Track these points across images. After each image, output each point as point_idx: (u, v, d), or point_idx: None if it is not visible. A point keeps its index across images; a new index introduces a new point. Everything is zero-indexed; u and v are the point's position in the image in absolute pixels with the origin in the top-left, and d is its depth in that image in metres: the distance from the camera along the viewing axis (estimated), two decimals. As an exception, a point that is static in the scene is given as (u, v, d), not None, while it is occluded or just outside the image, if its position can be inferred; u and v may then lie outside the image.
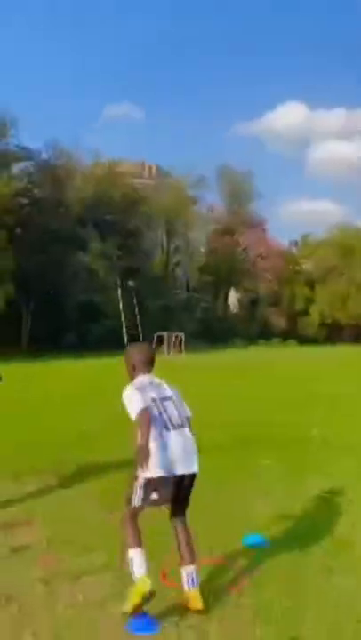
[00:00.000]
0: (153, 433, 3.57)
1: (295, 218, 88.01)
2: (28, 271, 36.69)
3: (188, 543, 3.73)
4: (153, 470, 3.54)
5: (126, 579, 3.96)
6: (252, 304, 61.85)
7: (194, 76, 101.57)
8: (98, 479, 6.57)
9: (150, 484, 3.58)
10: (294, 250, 67.90)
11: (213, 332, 51.33)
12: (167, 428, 3.67)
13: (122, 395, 3.74)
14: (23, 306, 38.31)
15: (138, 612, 3.40)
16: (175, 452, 3.63)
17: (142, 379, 3.88)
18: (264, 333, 56.73)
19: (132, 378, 3.93)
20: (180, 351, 35.82)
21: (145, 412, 3.58)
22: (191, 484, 3.75)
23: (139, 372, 3.93)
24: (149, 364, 4.00)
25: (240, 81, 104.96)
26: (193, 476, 3.73)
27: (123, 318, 39.22)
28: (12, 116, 39.31)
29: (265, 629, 3.40)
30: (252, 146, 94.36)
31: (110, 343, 37.32)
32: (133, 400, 3.67)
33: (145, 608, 3.48)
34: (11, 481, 6.51)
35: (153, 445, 3.55)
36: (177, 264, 59.95)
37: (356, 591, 3.90)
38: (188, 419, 3.86)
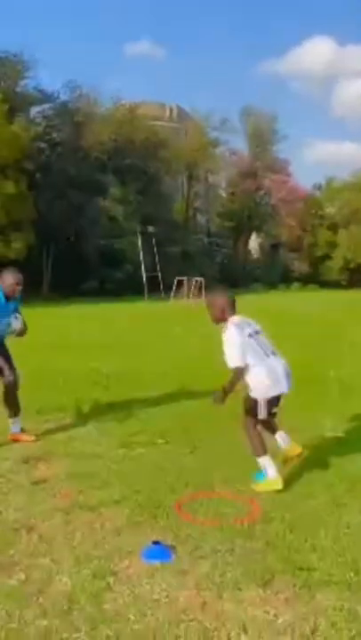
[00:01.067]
0: (258, 361, 4.44)
1: (320, 161, 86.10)
2: (48, 218, 36.59)
3: (277, 425, 4.87)
4: (272, 390, 4.51)
5: (142, 509, 4.12)
6: (273, 249, 61.20)
7: (216, 11, 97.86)
8: (115, 418, 6.74)
9: (271, 401, 4.52)
10: (318, 194, 66.46)
11: (234, 278, 51.08)
12: (267, 355, 4.52)
13: (225, 332, 4.49)
14: (44, 252, 38.40)
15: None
16: (280, 374, 4.52)
17: (236, 318, 4.57)
18: (285, 278, 56.33)
19: (219, 321, 4.61)
20: (201, 296, 35.77)
21: (240, 370, 4.42)
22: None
23: (229, 313, 4.58)
24: (235, 306, 4.64)
25: (264, 14, 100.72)
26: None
27: (142, 264, 39.14)
28: (31, 56, 38.50)
29: (275, 560, 3.52)
30: (275, 85, 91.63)
31: (130, 289, 37.45)
32: (234, 352, 4.42)
33: (159, 538, 3.62)
34: (31, 418, 6.71)
35: (262, 371, 4.45)
36: (197, 209, 59.25)
37: (365, 526, 3.99)
38: None
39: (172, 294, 34.62)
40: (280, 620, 2.93)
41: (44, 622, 2.90)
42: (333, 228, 61.58)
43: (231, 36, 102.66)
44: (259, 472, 4.92)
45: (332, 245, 60.97)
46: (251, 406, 4.56)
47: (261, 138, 58.90)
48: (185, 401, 7.60)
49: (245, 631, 2.84)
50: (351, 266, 59.81)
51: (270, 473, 4.47)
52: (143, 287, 38.23)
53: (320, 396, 8.05)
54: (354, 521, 4.06)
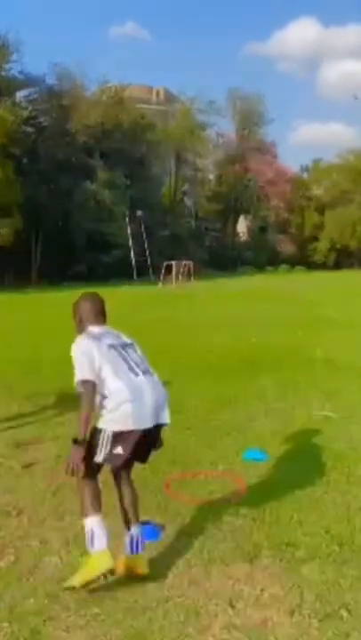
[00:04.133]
0: (121, 375, 3.11)
1: (306, 142, 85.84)
2: (36, 202, 36.36)
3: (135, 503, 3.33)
4: (130, 421, 3.05)
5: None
6: (261, 231, 61.18)
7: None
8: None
9: (120, 438, 3.05)
10: (305, 175, 66.39)
11: (222, 260, 51.16)
12: (136, 373, 3.16)
13: (72, 348, 3.19)
14: (32, 238, 38.17)
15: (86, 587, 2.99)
16: (146, 403, 3.11)
17: (97, 329, 3.32)
18: (273, 260, 56.41)
19: (79, 332, 3.34)
20: (189, 279, 35.80)
21: (89, 384, 3.04)
22: (158, 438, 3.30)
23: (88, 322, 3.35)
24: (101, 315, 3.40)
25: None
26: (160, 428, 3.26)
27: (131, 248, 39.03)
28: (15, 40, 37.92)
29: (261, 536, 3.58)
30: (261, 67, 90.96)
31: (119, 273, 37.35)
32: (81, 361, 3.10)
33: (148, 517, 3.66)
34: (23, 402, 6.77)
35: (124, 388, 3.08)
36: (185, 193, 58.98)
37: (352, 504, 4.04)
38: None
39: (162, 278, 34.58)
40: (266, 595, 2.99)
41: (34, 602, 2.94)
42: (320, 209, 61.65)
43: (217, 18, 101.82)
44: (249, 450, 4.99)
45: (319, 227, 61.12)
46: (91, 440, 3.04)
47: (248, 120, 58.63)
48: (176, 384, 7.65)
49: (232, 606, 2.89)
50: (338, 247, 60.00)
51: (97, 544, 3.02)
52: (132, 271, 38.16)
53: (308, 375, 8.13)
54: (339, 497, 4.12)
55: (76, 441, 2.99)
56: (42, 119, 42.06)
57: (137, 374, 3.17)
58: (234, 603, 2.91)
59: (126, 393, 3.07)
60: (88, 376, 3.04)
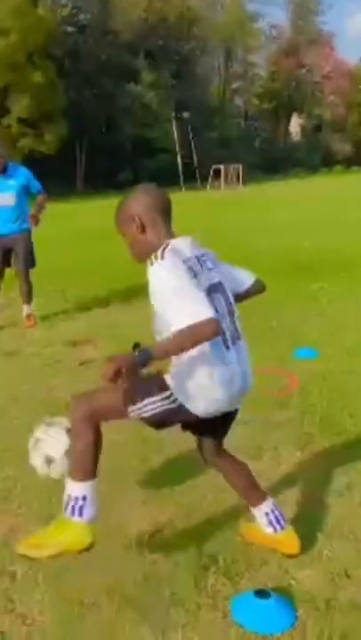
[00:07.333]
0: (208, 355, 2.16)
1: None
2: (79, 107, 35.58)
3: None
4: (202, 406, 2.22)
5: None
6: (315, 130, 58.47)
7: None
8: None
9: (179, 415, 2.25)
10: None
11: (273, 163, 49.45)
12: (227, 346, 2.23)
13: (152, 273, 2.12)
14: (76, 145, 37.66)
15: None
16: (234, 389, 2.24)
17: (180, 242, 2.22)
18: (327, 161, 54.19)
19: (143, 245, 2.24)
20: (239, 184, 34.95)
21: (214, 321, 2.02)
22: (232, 420, 2.48)
23: (159, 230, 2.23)
24: (168, 215, 2.29)
25: None
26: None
27: (178, 152, 38.09)
28: None
29: (312, 426, 3.69)
30: None
31: (166, 179, 36.72)
32: (187, 293, 2.05)
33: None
34: (76, 305, 6.98)
35: (208, 374, 2.17)
36: (235, 91, 56.48)
37: None
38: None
39: (209, 183, 33.87)
40: (315, 476, 3.11)
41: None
42: (381, 104, 58.15)
43: None
44: (300, 349, 5.03)
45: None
46: (134, 390, 2.19)
47: (304, 8, 54.70)
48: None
49: (280, 491, 2.99)
50: None
51: (86, 512, 2.19)
52: (179, 177, 37.44)
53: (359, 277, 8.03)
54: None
55: (136, 347, 2.01)
56: (82, 17, 40.35)
57: (228, 347, 2.23)
58: (283, 487, 3.03)
59: (214, 375, 2.17)
60: (209, 313, 2.01)
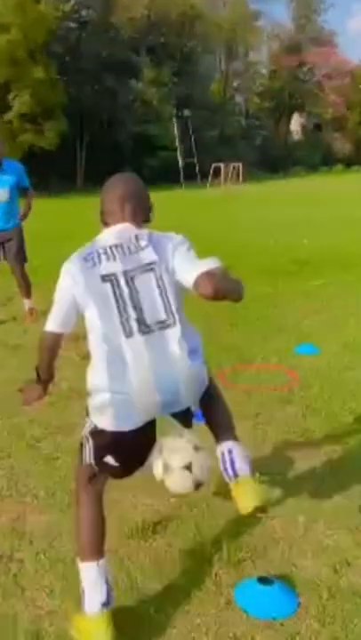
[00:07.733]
0: (103, 346, 2.04)
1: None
2: (80, 104, 35.52)
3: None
4: (105, 420, 2.02)
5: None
6: (315, 129, 58.41)
7: None
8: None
9: (100, 439, 2.05)
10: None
11: (273, 161, 49.43)
12: (127, 331, 1.99)
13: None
14: (77, 141, 37.62)
15: None
16: (142, 380, 1.96)
17: (104, 234, 2.20)
18: (327, 160, 54.15)
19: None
20: (239, 182, 34.95)
21: (49, 336, 2.19)
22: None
23: (110, 223, 2.21)
24: (129, 204, 2.19)
25: None
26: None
27: (178, 150, 38.08)
28: None
29: (312, 421, 3.74)
30: None
31: (166, 176, 36.72)
32: (55, 300, 2.17)
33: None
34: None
35: (104, 373, 2.04)
36: (236, 89, 56.39)
37: None
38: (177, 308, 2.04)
39: (210, 181, 33.87)
40: (316, 470, 3.16)
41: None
42: (381, 104, 58.04)
43: None
44: (301, 345, 5.09)
45: (379, 123, 57.76)
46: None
47: (306, 6, 54.63)
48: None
49: (283, 473, 3.05)
50: None
51: (88, 604, 2.00)
52: (179, 174, 37.41)
53: (358, 275, 8.07)
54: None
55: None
56: (84, 13, 40.24)
57: (131, 333, 1.97)
58: (284, 481, 3.07)
59: (104, 373, 2.00)
60: (49, 324, 2.16)
